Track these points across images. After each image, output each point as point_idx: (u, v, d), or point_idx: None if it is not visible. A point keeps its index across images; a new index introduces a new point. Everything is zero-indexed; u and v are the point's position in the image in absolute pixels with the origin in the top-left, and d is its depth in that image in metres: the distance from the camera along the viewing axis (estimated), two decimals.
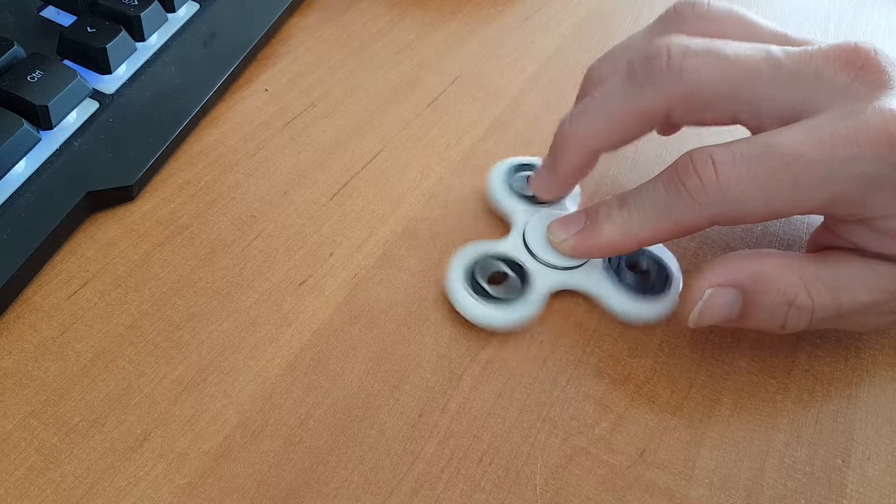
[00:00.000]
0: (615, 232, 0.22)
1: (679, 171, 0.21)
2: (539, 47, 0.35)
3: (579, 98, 0.27)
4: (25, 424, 0.20)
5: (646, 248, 0.24)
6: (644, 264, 0.24)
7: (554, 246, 0.24)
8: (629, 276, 0.24)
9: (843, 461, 0.21)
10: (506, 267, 0.24)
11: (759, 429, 0.22)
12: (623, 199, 0.23)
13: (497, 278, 0.24)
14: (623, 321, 0.24)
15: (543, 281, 0.24)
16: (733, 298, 0.21)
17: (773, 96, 0.21)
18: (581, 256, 0.24)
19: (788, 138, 0.20)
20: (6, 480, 0.19)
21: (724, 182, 0.20)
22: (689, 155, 0.21)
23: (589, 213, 0.23)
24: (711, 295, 0.21)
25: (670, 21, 0.25)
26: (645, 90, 0.22)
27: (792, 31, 0.24)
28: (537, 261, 0.24)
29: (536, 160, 0.27)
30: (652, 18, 0.37)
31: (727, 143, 0.21)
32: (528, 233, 0.25)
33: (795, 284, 0.21)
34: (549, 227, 0.24)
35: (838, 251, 0.22)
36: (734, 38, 0.23)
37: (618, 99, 0.23)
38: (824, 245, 0.23)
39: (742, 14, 0.24)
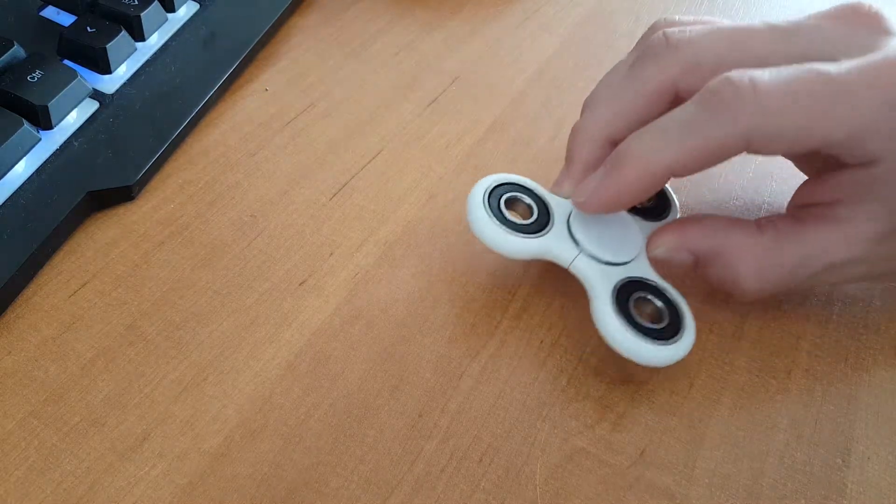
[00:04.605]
0: (637, 162, 0.21)
1: (712, 87, 0.20)
2: (539, 47, 0.35)
3: (566, 163, 0.25)
4: (25, 424, 0.20)
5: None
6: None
7: (578, 206, 0.23)
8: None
9: (843, 461, 0.21)
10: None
11: (759, 429, 0.22)
12: (646, 127, 0.21)
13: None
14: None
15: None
16: (685, 258, 0.23)
17: (777, 50, 0.21)
18: (605, 204, 0.22)
19: (827, 64, 0.20)
20: (6, 480, 0.19)
21: (763, 92, 0.20)
22: (726, 74, 0.20)
23: (609, 159, 0.22)
24: (665, 252, 0.23)
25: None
26: (647, 67, 0.22)
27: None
28: (584, 254, 0.23)
29: (517, 178, 0.24)
30: (652, 19, 0.37)
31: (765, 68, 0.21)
32: (574, 222, 0.23)
33: (746, 269, 0.22)
34: (573, 195, 0.23)
35: (813, 216, 0.22)
36: None
37: (637, 80, 0.23)
38: (805, 203, 0.23)
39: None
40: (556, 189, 0.24)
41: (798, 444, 0.22)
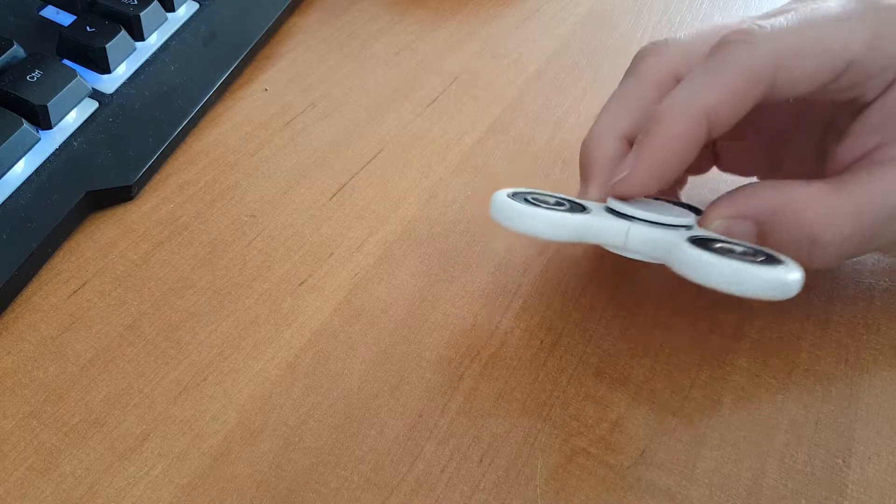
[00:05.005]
0: (673, 113, 0.20)
1: (722, 40, 0.21)
2: (539, 47, 0.35)
3: (583, 177, 0.24)
4: (25, 424, 0.20)
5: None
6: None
7: (618, 188, 0.21)
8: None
9: (844, 461, 0.21)
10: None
11: (759, 429, 0.22)
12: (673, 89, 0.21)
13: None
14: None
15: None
16: (747, 229, 0.21)
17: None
18: (650, 172, 0.21)
19: (821, 3, 0.21)
20: (6, 480, 0.19)
21: (770, 29, 0.20)
22: (729, 31, 0.21)
23: (642, 130, 0.21)
24: (722, 225, 0.21)
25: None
26: (644, 62, 0.23)
27: None
28: (638, 223, 0.21)
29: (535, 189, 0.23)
30: (652, 19, 0.37)
31: None
32: (615, 205, 0.22)
33: (817, 216, 0.20)
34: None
35: (860, 166, 0.21)
36: None
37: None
38: (844, 164, 0.22)
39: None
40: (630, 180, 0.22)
41: (798, 444, 0.22)
